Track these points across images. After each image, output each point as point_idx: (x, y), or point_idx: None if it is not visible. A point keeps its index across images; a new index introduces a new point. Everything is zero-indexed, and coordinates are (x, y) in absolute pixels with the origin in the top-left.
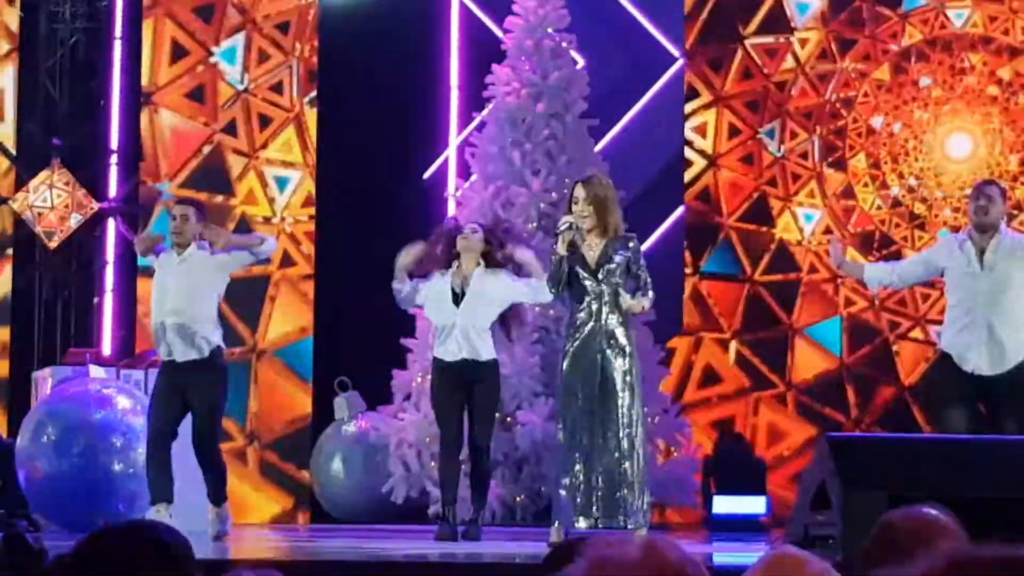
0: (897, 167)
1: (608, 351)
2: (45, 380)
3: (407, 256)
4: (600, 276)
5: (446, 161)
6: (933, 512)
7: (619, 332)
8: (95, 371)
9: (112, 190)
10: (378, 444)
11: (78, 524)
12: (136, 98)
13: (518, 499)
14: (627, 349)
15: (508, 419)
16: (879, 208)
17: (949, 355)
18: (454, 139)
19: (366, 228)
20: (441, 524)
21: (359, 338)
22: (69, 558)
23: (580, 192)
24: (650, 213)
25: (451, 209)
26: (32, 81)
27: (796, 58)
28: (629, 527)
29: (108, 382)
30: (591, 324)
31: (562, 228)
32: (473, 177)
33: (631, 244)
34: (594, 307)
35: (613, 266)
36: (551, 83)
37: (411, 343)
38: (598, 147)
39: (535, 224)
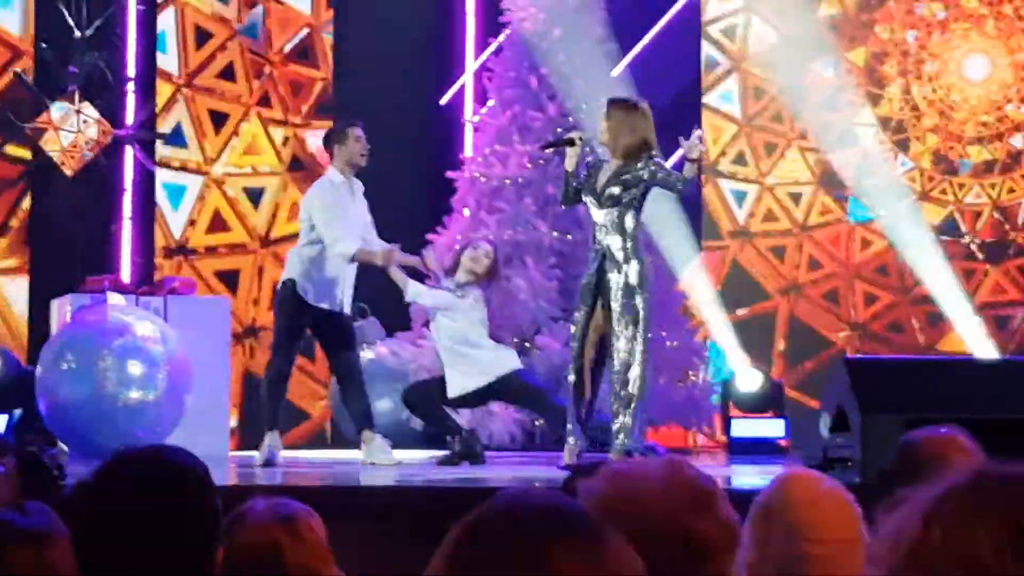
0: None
1: (607, 269)
2: (64, 308)
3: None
4: (602, 200)
5: (463, 87)
6: (952, 433)
7: (615, 247)
8: (114, 298)
9: (129, 118)
10: (397, 370)
11: (98, 452)
12: (152, 25)
13: (537, 423)
14: (622, 261)
15: (526, 344)
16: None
17: None
18: (471, 64)
19: (383, 154)
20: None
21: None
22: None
23: (604, 110)
24: (668, 137)
25: (468, 134)
26: (49, 9)
27: None
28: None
29: (127, 309)
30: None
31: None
32: (490, 102)
33: (641, 163)
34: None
35: (617, 191)
36: (567, 7)
37: None
38: (615, 71)
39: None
